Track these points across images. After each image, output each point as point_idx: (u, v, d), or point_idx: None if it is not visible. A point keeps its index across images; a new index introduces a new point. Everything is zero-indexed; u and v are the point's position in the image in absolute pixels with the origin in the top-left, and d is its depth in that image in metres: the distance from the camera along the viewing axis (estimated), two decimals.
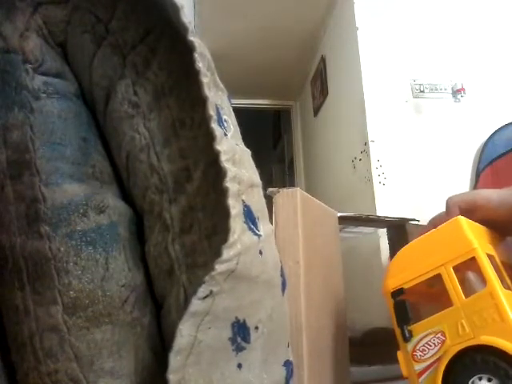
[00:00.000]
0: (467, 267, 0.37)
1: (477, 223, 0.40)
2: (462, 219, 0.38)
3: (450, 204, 0.42)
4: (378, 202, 1.73)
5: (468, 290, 0.36)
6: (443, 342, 0.36)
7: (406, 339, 0.38)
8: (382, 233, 1.35)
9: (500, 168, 1.73)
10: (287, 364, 0.32)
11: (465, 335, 0.34)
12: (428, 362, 0.36)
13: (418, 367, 0.37)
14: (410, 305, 0.39)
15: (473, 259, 0.35)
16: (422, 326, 0.37)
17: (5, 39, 0.30)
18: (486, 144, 1.82)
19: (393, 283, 0.40)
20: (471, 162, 1.85)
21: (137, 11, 0.30)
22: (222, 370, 0.25)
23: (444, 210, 0.44)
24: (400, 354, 0.39)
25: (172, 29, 0.28)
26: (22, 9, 0.30)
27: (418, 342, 0.37)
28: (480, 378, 0.32)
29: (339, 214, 0.68)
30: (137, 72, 0.30)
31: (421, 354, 0.37)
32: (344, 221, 0.80)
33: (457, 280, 0.36)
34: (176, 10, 0.26)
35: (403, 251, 0.42)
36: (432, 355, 0.36)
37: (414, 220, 0.88)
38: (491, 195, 0.41)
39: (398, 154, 1.81)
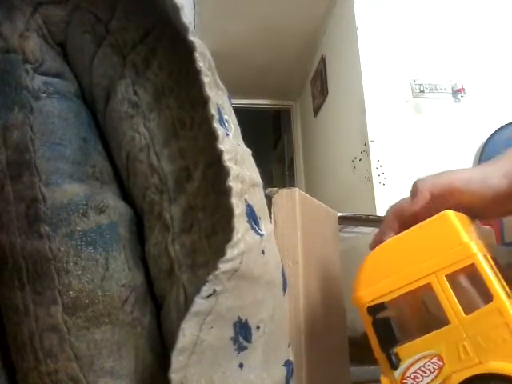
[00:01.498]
0: (462, 273, 0.31)
1: (461, 214, 0.34)
2: (451, 214, 0.32)
3: (419, 188, 0.36)
4: (378, 202, 1.73)
5: (462, 300, 0.30)
6: (441, 367, 0.30)
7: (394, 366, 0.31)
8: None
9: None
10: (287, 364, 0.32)
11: (468, 360, 0.29)
12: None
13: None
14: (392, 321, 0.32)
15: (471, 266, 0.30)
16: (413, 349, 0.31)
17: (5, 39, 0.30)
18: (486, 144, 1.82)
19: (368, 295, 0.32)
20: (471, 162, 1.85)
21: (137, 11, 0.30)
22: (223, 370, 0.25)
23: (408, 196, 0.37)
24: (385, 382, 0.32)
25: (172, 29, 0.28)
26: (22, 9, 0.30)
27: (409, 368, 0.31)
28: None
29: (339, 214, 0.68)
30: (137, 72, 0.30)
31: (413, 382, 0.31)
32: (344, 221, 0.80)
33: (453, 292, 0.30)
34: (176, 10, 0.26)
35: (376, 254, 0.34)
36: (428, 383, 0.30)
37: None
38: (471, 175, 0.36)
39: (398, 154, 1.81)
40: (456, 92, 1.90)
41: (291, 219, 0.48)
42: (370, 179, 1.80)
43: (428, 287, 0.31)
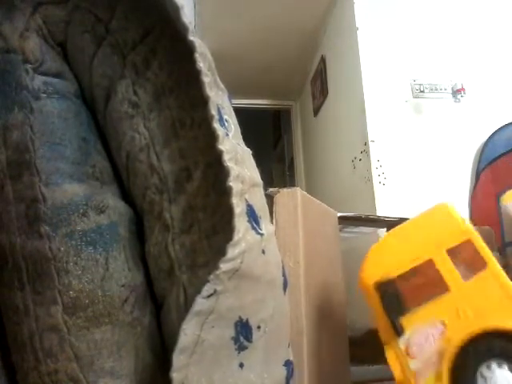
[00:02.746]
0: (458, 252, 0.35)
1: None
2: (449, 204, 0.37)
3: None
4: (378, 202, 1.73)
5: (460, 273, 0.34)
6: (443, 332, 0.32)
7: (399, 333, 0.34)
8: (382, 233, 1.34)
9: (500, 168, 1.73)
10: (288, 364, 0.32)
11: (468, 321, 0.31)
12: (427, 356, 0.32)
13: (414, 365, 0.33)
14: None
15: (468, 241, 0.34)
16: (416, 317, 0.34)
17: (5, 39, 0.30)
18: (486, 144, 1.83)
19: (376, 273, 0.36)
20: (471, 162, 1.85)
21: (137, 11, 0.30)
22: (224, 369, 0.25)
23: None
24: (390, 352, 0.34)
25: (172, 29, 0.28)
26: (22, 9, 0.30)
27: (412, 336, 0.33)
28: (488, 366, 0.30)
29: (339, 214, 0.68)
30: (137, 72, 0.30)
31: (417, 348, 0.33)
32: (344, 221, 0.80)
33: (452, 263, 0.33)
34: (176, 9, 0.26)
35: (381, 242, 0.38)
36: (432, 348, 0.33)
37: None
38: None
39: (397, 154, 1.81)
40: (456, 92, 1.90)
41: (293, 219, 0.48)
42: (370, 179, 1.80)
43: (430, 263, 0.35)
